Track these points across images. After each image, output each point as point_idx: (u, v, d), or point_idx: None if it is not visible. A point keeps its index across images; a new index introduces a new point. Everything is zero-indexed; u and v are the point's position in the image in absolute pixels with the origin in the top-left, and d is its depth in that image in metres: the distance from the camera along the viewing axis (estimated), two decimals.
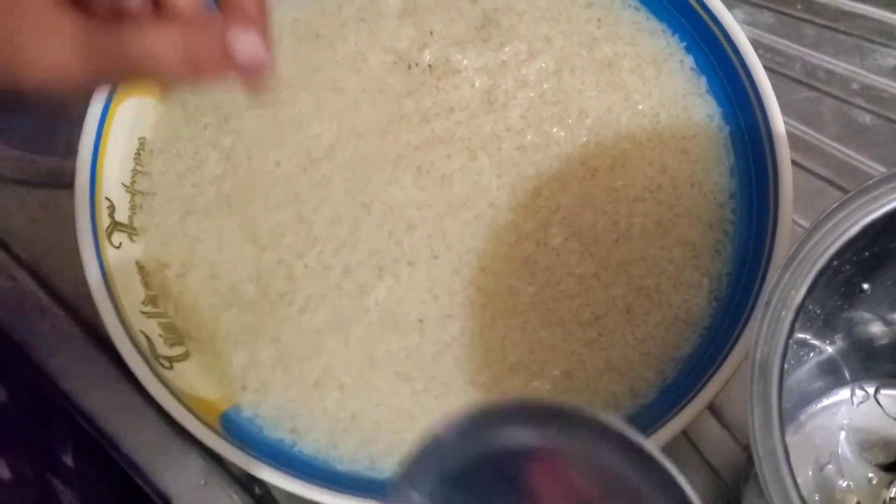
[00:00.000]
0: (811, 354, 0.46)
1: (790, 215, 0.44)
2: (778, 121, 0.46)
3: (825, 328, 0.44)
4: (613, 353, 0.45)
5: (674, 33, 0.51)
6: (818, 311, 0.42)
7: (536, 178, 0.48)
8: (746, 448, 0.41)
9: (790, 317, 0.34)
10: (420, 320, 0.46)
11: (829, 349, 0.46)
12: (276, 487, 0.43)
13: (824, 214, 0.35)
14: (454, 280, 0.46)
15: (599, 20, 0.52)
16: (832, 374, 0.47)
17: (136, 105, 0.49)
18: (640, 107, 0.50)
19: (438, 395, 0.45)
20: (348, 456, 0.45)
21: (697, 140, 0.49)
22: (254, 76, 0.32)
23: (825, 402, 0.48)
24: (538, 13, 0.52)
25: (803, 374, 0.46)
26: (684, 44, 0.51)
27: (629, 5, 0.52)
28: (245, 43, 0.32)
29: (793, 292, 0.34)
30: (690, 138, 0.49)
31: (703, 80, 0.50)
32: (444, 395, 0.45)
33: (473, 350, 0.45)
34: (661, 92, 0.50)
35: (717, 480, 0.48)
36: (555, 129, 0.49)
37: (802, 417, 0.47)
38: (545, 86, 0.50)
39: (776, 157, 0.46)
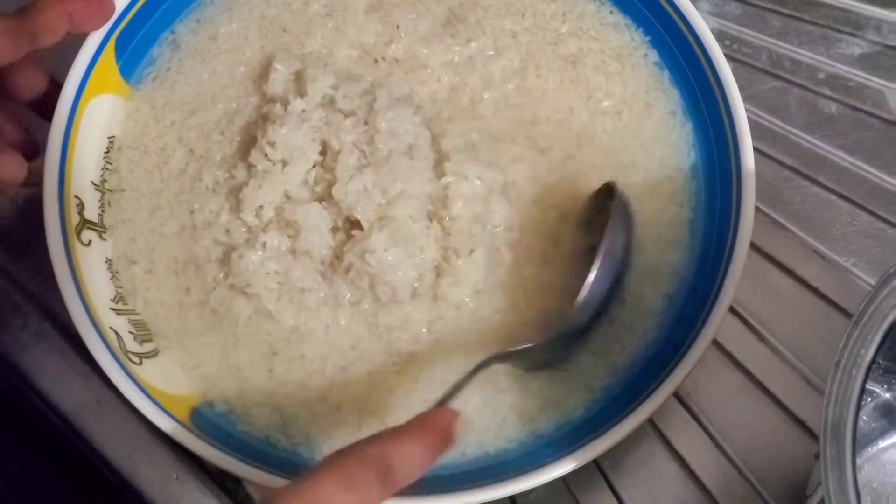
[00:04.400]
0: (868, 399, 0.46)
1: (753, 203, 0.45)
2: (740, 111, 0.46)
3: (884, 374, 0.44)
4: None
5: (638, 27, 0.52)
6: (880, 361, 0.40)
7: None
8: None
9: (861, 376, 0.33)
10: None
11: (887, 395, 0.46)
12: (247, 480, 0.43)
13: (892, 269, 0.34)
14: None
15: (564, 15, 0.52)
16: (888, 418, 0.47)
17: (106, 104, 0.50)
18: (604, 104, 0.50)
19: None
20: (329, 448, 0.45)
21: (659, 136, 0.50)
22: (12, 188, 0.43)
23: (881, 444, 0.47)
24: (503, 8, 0.52)
25: (861, 418, 0.46)
26: (648, 38, 0.51)
27: (593, 0, 0.53)
28: (8, 163, 0.43)
29: (863, 350, 0.33)
30: (652, 134, 0.50)
31: (667, 73, 0.51)
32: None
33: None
34: (623, 89, 0.51)
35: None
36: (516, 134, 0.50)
37: (860, 461, 0.46)
38: (509, 86, 0.51)
39: (739, 147, 0.46)
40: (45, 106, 0.48)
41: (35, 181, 0.46)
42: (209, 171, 0.49)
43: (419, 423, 0.36)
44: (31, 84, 0.47)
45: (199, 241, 0.48)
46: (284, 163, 0.47)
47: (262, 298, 0.46)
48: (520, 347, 0.43)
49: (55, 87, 0.48)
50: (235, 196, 0.48)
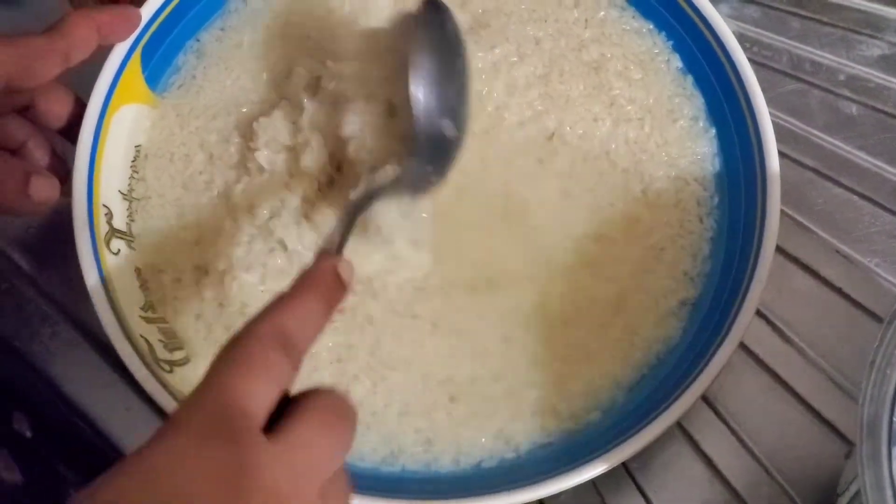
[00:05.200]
0: None
1: (778, 207, 0.45)
2: (765, 115, 0.47)
3: None
4: None
5: (660, 31, 0.52)
6: None
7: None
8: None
9: None
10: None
11: None
12: None
13: None
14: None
15: (586, 21, 0.53)
16: None
17: (132, 113, 0.50)
18: (628, 108, 0.50)
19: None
20: (368, 453, 0.45)
21: (683, 141, 0.50)
22: (43, 210, 0.44)
23: None
24: (526, 14, 0.52)
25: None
26: (671, 42, 0.52)
27: (615, 5, 0.53)
28: (43, 185, 0.43)
29: None
30: (675, 140, 0.50)
31: (690, 78, 0.51)
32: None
33: None
34: (646, 94, 0.51)
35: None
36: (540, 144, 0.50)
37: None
38: (533, 92, 0.51)
39: (763, 150, 0.46)
40: (72, 130, 0.48)
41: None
42: (221, 176, 0.50)
43: (302, 281, 0.34)
44: (59, 108, 0.46)
45: (210, 250, 0.48)
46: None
47: None
48: (386, 181, 0.43)
49: (81, 108, 0.48)
50: (239, 200, 0.48)
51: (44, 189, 0.44)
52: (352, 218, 0.39)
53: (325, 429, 0.30)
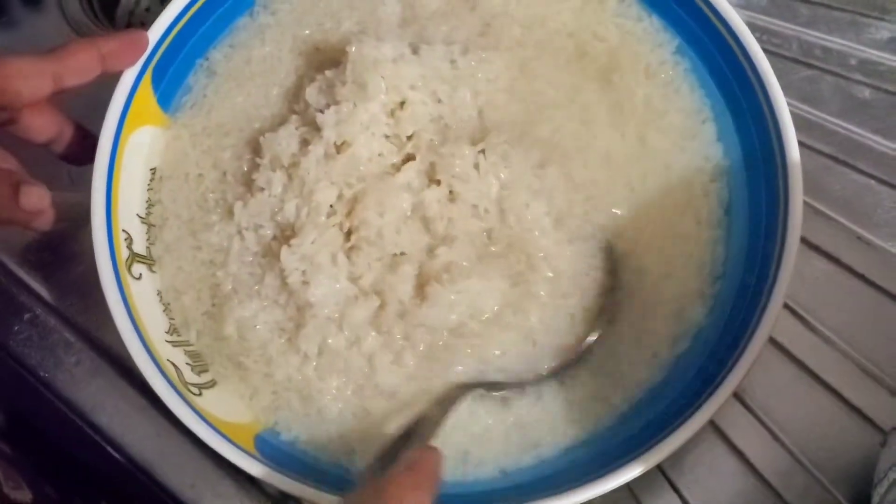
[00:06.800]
0: None
1: (801, 197, 0.45)
2: (782, 103, 0.46)
3: None
4: None
5: (669, 27, 0.52)
6: None
7: None
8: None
9: None
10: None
11: None
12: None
13: None
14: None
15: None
16: None
17: (146, 136, 0.50)
18: (639, 109, 0.50)
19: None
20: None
21: (694, 134, 0.50)
22: (34, 221, 0.44)
23: None
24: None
25: None
26: (677, 41, 0.51)
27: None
28: (33, 194, 0.43)
29: None
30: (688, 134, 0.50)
31: (702, 72, 0.51)
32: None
33: None
34: (658, 91, 0.51)
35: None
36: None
37: None
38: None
39: (783, 140, 0.46)
40: (71, 151, 0.48)
41: (64, 217, 0.46)
42: (232, 194, 0.50)
43: (411, 469, 0.36)
44: (41, 122, 0.46)
45: (220, 271, 0.48)
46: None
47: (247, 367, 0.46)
48: (490, 380, 0.45)
49: (80, 131, 0.48)
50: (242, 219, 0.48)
51: (33, 198, 0.44)
52: (450, 406, 0.42)
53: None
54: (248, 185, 0.49)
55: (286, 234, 0.47)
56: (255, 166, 0.49)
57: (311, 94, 0.49)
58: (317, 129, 0.47)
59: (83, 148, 0.47)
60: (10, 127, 0.46)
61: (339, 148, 0.47)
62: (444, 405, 0.43)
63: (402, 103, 0.48)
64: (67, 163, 0.48)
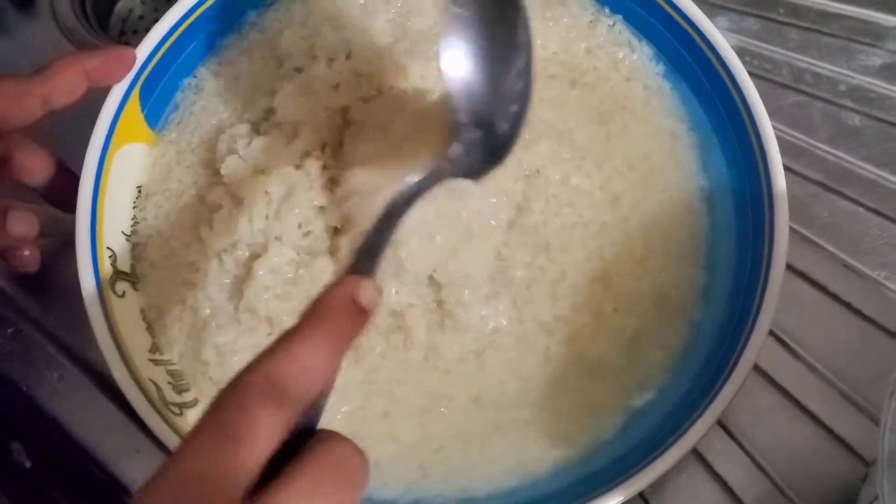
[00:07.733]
0: None
1: (786, 225, 0.45)
2: (768, 130, 0.46)
3: None
4: None
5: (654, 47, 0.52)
6: None
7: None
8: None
9: None
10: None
11: None
12: None
13: None
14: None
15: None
16: None
17: (133, 153, 0.50)
18: (630, 127, 0.50)
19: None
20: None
21: (681, 160, 0.50)
22: (20, 249, 0.45)
23: None
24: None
25: None
26: (661, 67, 0.52)
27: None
28: (20, 219, 0.44)
29: None
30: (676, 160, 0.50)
31: (684, 95, 0.51)
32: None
33: None
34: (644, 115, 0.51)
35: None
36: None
37: None
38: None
39: (769, 168, 0.46)
40: (61, 197, 0.47)
41: (49, 233, 0.46)
42: (208, 211, 0.49)
43: (308, 313, 0.29)
44: (33, 163, 0.46)
45: (198, 293, 0.47)
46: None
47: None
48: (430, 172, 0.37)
49: (67, 174, 0.47)
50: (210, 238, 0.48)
51: (21, 224, 0.44)
52: (391, 224, 0.32)
53: (319, 489, 0.27)
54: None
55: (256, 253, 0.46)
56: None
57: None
58: None
59: (73, 194, 0.46)
60: (1, 169, 0.45)
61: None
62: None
63: None
64: (55, 207, 0.48)
